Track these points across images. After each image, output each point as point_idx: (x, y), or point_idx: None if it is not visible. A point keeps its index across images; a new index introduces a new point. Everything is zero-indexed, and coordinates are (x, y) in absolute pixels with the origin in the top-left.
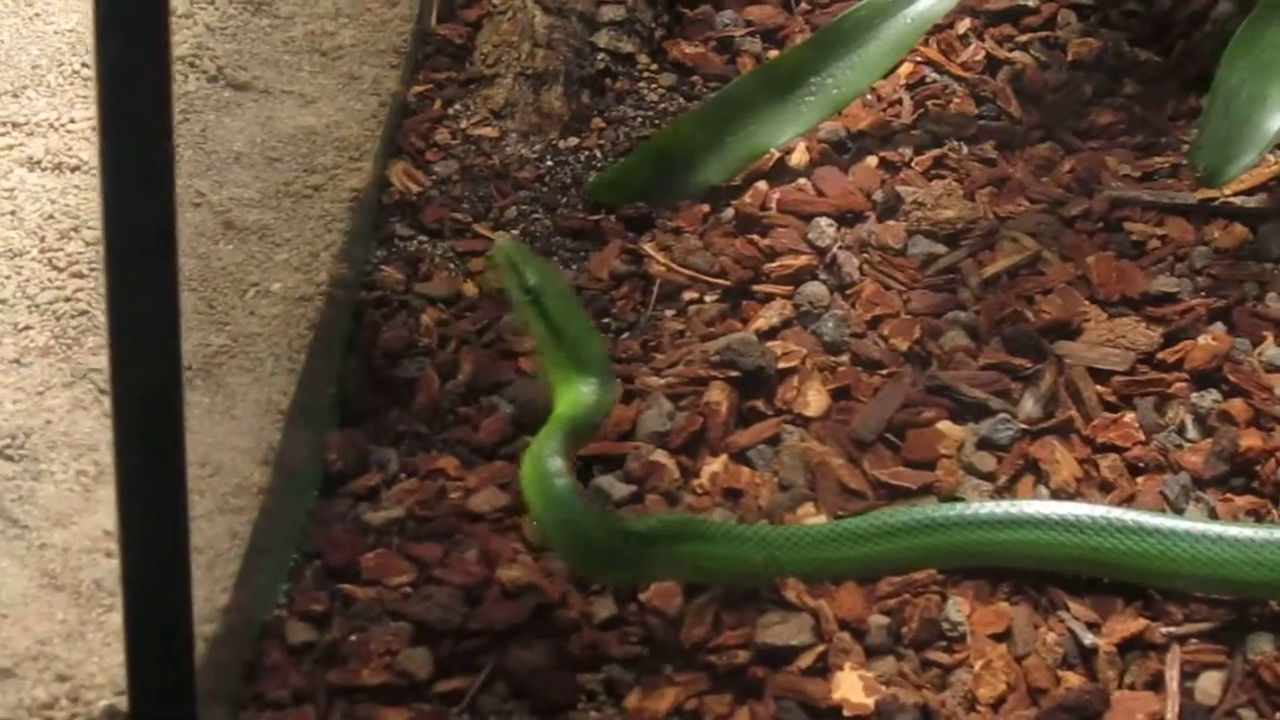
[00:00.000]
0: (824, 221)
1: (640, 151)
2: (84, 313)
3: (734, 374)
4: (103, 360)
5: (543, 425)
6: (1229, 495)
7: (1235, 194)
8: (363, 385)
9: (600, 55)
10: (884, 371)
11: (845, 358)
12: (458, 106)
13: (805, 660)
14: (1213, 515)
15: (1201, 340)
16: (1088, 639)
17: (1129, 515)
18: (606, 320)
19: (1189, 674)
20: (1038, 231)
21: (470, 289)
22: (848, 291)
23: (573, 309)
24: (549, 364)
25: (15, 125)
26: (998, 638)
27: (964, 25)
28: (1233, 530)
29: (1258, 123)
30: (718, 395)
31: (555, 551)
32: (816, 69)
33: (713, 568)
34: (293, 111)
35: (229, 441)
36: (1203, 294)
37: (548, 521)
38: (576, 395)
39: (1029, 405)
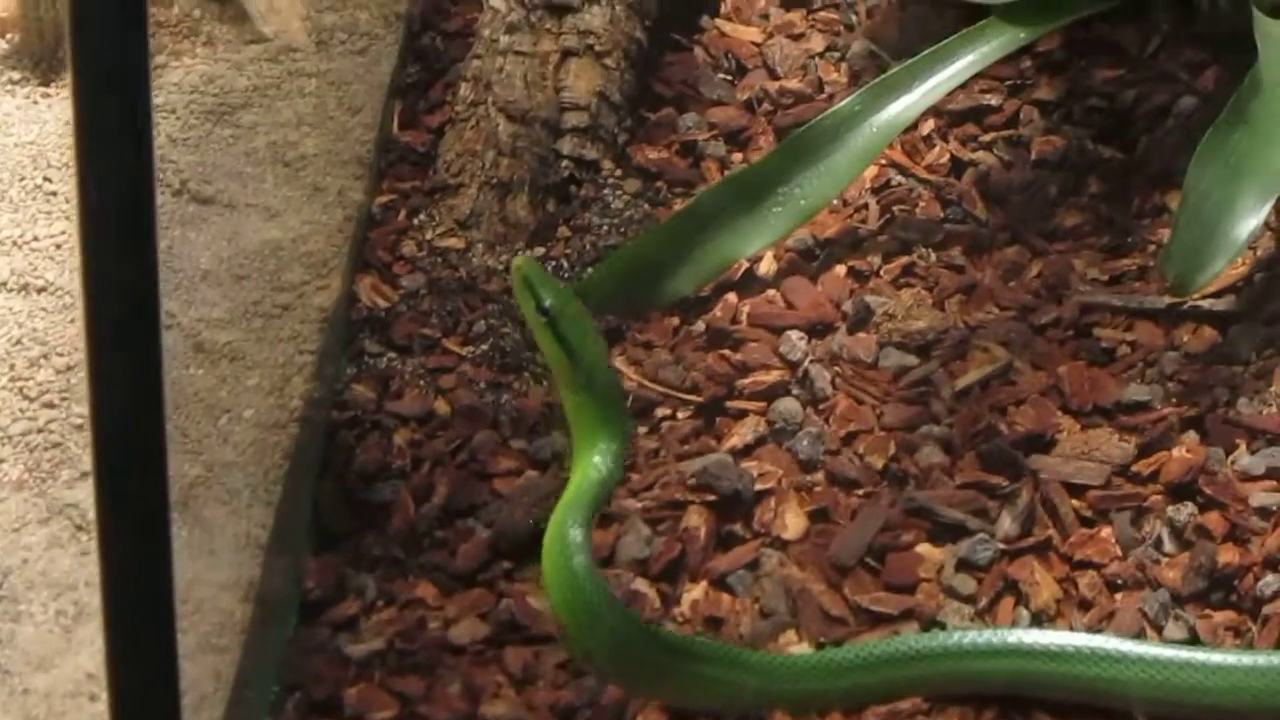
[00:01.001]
0: (795, 334)
1: (609, 263)
2: (57, 445)
3: (711, 497)
4: (79, 494)
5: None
6: (1208, 611)
7: (1204, 296)
8: (338, 509)
9: (565, 162)
10: (861, 491)
11: (821, 476)
12: (423, 216)
13: None
14: (1192, 632)
15: (1176, 452)
16: None
17: (1110, 643)
18: None
19: None
20: (1008, 340)
21: (442, 407)
22: (821, 406)
23: (590, 335)
24: (565, 395)
25: None
26: None
27: (928, 126)
28: (1215, 657)
29: (1227, 229)
30: (696, 519)
31: (575, 643)
32: (784, 179)
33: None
34: (258, 225)
35: (209, 577)
36: (1174, 401)
37: (570, 609)
38: (595, 444)
39: (1007, 524)
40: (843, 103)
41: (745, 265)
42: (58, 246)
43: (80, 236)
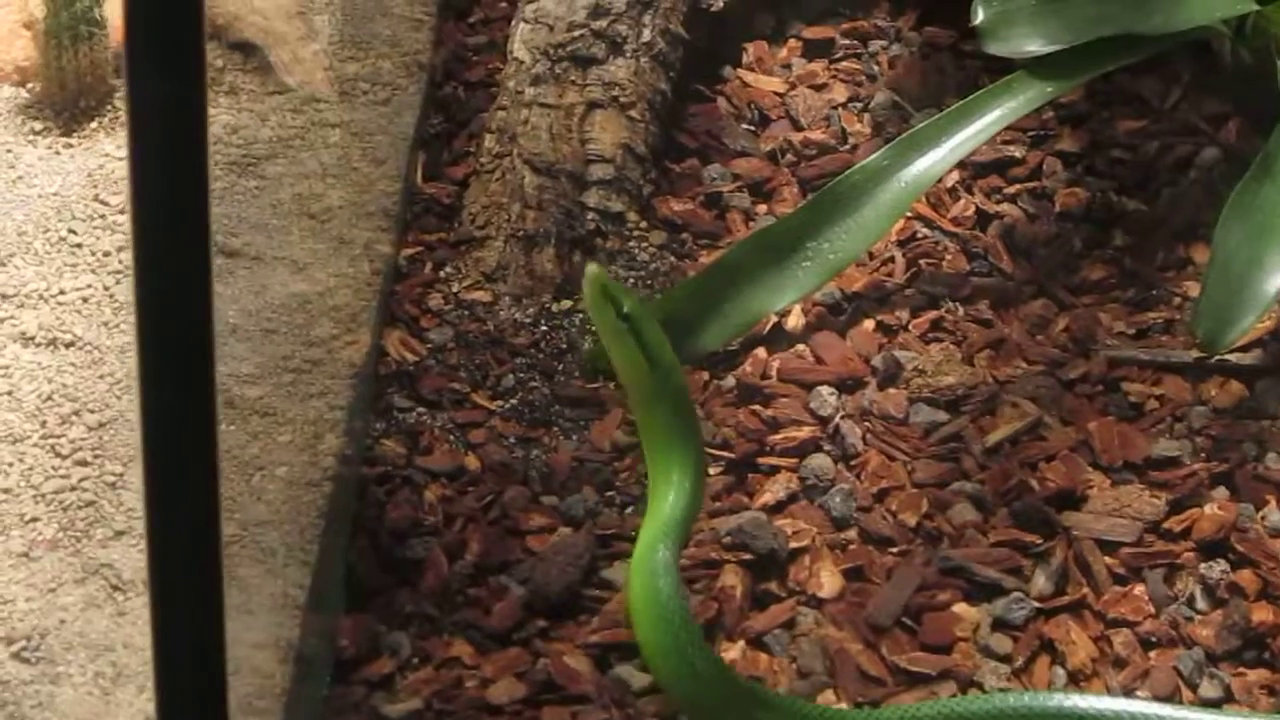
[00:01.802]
0: (825, 390)
1: None
2: (91, 503)
3: (747, 556)
4: (113, 553)
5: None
6: (1242, 669)
7: (1230, 351)
8: (371, 566)
9: (590, 215)
10: (895, 549)
11: (854, 534)
12: (449, 269)
13: None
14: (1227, 691)
15: (1207, 509)
16: None
17: (1149, 707)
18: (610, 494)
19: None
20: (1037, 396)
21: (472, 462)
22: (852, 463)
23: (666, 343)
24: (641, 409)
25: (5, 297)
26: None
27: (952, 178)
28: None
29: (1255, 286)
30: (732, 579)
31: (660, 679)
32: (813, 234)
33: None
34: (286, 279)
35: (247, 638)
36: (1203, 456)
37: (655, 636)
38: (675, 461)
39: (1041, 582)
40: (870, 158)
41: (774, 320)
42: (85, 300)
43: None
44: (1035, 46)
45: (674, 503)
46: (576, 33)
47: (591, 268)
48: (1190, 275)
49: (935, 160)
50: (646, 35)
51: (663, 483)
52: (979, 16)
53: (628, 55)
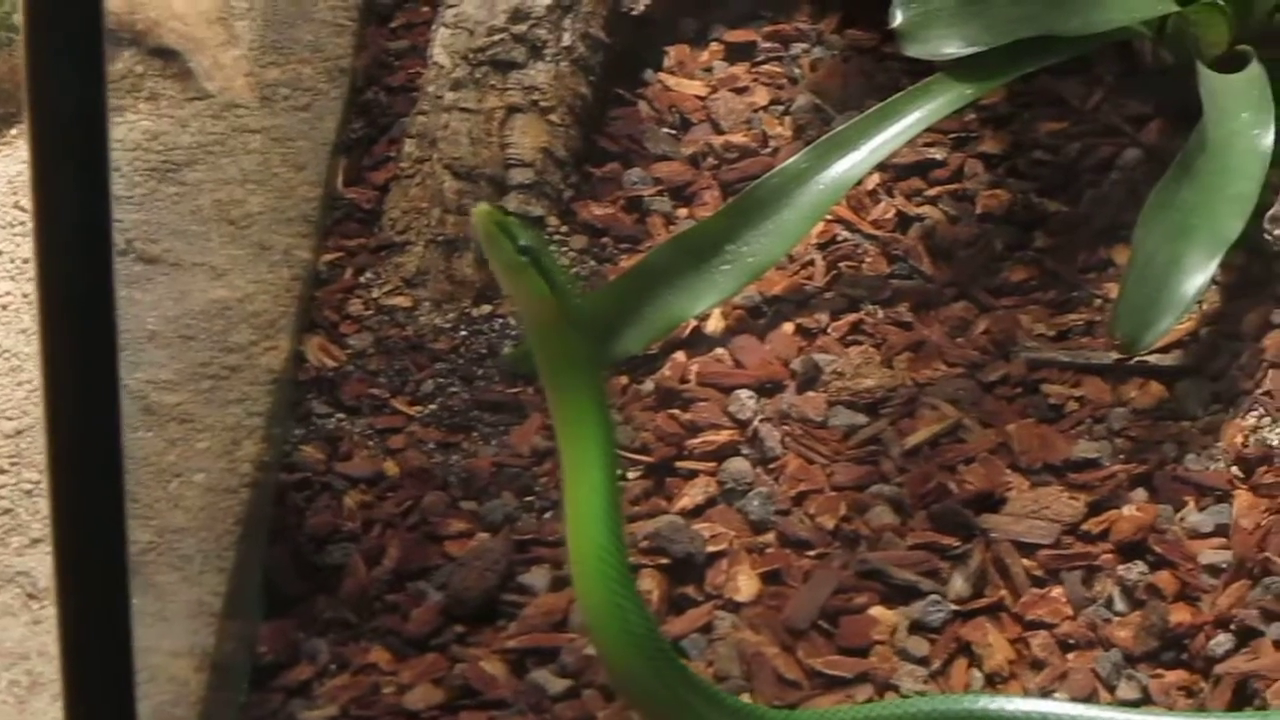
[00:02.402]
0: (744, 394)
1: None
2: (7, 511)
3: (664, 560)
4: (30, 561)
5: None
6: (1160, 670)
7: (1151, 352)
8: (289, 573)
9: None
10: (813, 552)
11: (773, 537)
12: (369, 275)
13: None
14: (1145, 693)
15: (1126, 510)
16: None
17: (1064, 707)
18: (530, 499)
19: None
20: (957, 398)
21: (392, 468)
22: (771, 466)
23: (566, 272)
24: (543, 345)
25: None
26: None
27: (873, 181)
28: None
29: (1175, 287)
30: (649, 584)
31: (606, 661)
32: (732, 237)
33: None
34: (205, 285)
35: (162, 645)
36: (1123, 458)
37: (614, 647)
38: (588, 406)
39: (959, 584)
40: (789, 161)
41: (694, 324)
42: (3, 307)
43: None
44: (954, 49)
45: (601, 479)
46: (496, 37)
47: (482, 206)
48: (1111, 276)
49: (854, 163)
50: (567, 39)
51: (583, 437)
52: (897, 19)
53: (548, 59)
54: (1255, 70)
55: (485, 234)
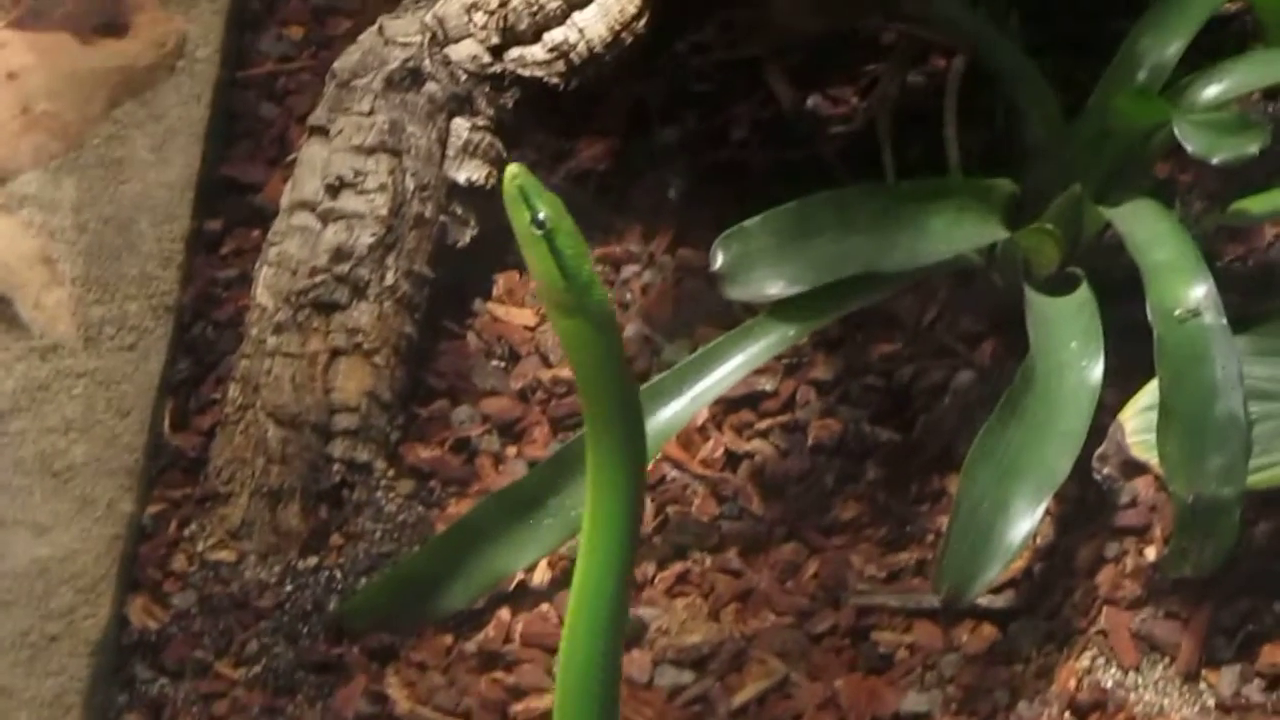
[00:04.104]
0: None
1: (384, 579)
2: None
3: None
4: None
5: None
6: None
7: (982, 594)
8: None
9: (336, 466)
10: None
11: None
12: (194, 527)
13: None
14: None
15: None
16: None
17: None
18: None
19: None
20: (785, 651)
21: None
22: None
23: (586, 258)
24: (559, 323)
25: None
26: None
27: (702, 416)
28: None
29: (1001, 533)
30: None
31: None
32: (556, 489)
33: None
34: (27, 543)
35: None
36: (953, 708)
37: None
38: (608, 405)
39: None
40: None
41: (519, 577)
42: None
43: None
44: (778, 289)
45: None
46: (319, 278)
47: (512, 167)
48: (944, 509)
49: (679, 410)
50: (389, 278)
51: (600, 467)
52: (717, 261)
53: (370, 299)
54: (1085, 294)
55: (507, 197)
